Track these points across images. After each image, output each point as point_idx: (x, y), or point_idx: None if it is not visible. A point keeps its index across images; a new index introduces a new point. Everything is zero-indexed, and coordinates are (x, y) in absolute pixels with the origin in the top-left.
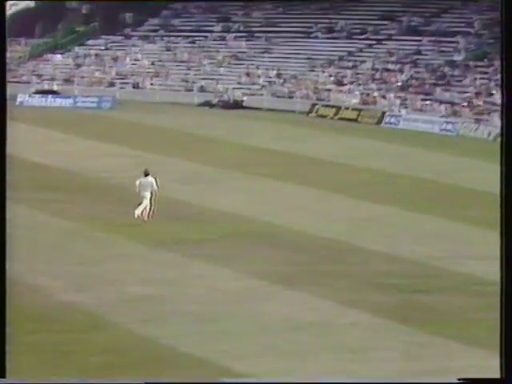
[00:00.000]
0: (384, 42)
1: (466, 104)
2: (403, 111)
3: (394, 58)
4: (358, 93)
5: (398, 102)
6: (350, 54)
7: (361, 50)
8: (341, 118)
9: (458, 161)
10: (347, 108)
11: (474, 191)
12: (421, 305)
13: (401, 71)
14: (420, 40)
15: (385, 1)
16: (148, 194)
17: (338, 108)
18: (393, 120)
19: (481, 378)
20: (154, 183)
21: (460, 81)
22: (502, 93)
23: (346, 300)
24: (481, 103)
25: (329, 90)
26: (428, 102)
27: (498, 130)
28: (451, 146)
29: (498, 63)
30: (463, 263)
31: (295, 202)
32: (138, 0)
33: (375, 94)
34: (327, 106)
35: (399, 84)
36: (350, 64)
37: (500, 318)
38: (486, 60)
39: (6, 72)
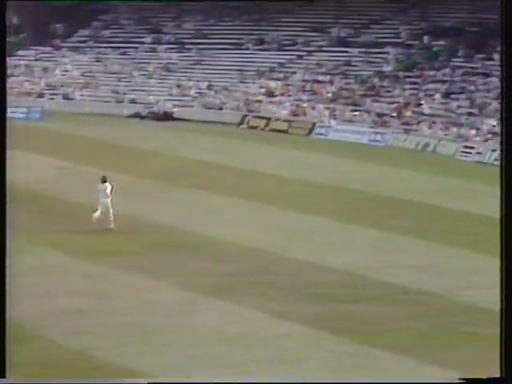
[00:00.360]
0: (314, 54)
1: (394, 114)
2: (333, 122)
3: (323, 70)
4: (288, 104)
5: (327, 113)
6: (281, 65)
7: (291, 62)
8: (271, 130)
9: (387, 171)
10: (278, 119)
11: (403, 201)
12: (350, 315)
13: (331, 82)
14: (350, 51)
15: (315, 13)
16: (104, 200)
17: (269, 119)
18: (323, 131)
19: (481, 378)
20: (109, 190)
21: (389, 91)
22: (502, 93)
23: (277, 311)
24: (409, 113)
25: (259, 102)
26: (357, 113)
27: (427, 140)
28: (380, 156)
29: (427, 73)
30: (392, 273)
31: (226, 214)
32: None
33: (305, 105)
34: (258, 117)
35: (329, 95)
36: (281, 75)
37: (500, 317)
38: (415, 70)
39: (5, 72)
